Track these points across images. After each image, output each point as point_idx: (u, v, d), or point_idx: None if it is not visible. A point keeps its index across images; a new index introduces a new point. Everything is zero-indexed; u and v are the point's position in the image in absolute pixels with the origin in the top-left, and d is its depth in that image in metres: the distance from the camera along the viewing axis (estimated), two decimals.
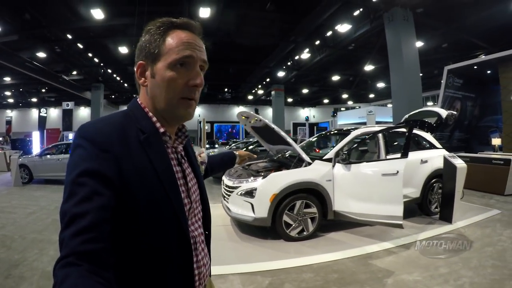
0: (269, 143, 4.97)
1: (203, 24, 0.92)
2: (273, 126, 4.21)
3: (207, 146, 17.76)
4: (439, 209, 5.14)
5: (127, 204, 0.72)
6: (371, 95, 30.76)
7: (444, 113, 5.65)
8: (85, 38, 15.62)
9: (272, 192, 4.03)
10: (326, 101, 35.79)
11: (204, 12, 11.71)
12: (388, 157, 4.53)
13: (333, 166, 4.31)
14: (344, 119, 23.48)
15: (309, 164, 4.34)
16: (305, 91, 29.67)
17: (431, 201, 5.26)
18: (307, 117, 33.53)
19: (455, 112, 5.99)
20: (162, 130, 0.85)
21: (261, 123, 4.44)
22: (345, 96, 31.70)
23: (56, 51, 16.49)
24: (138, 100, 0.89)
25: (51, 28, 14.01)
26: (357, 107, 31.97)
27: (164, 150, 0.84)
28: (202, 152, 1.34)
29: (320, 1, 11.82)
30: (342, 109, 34.52)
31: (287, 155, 5.04)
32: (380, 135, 4.66)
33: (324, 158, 4.43)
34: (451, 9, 12.41)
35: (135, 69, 0.86)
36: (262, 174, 4.40)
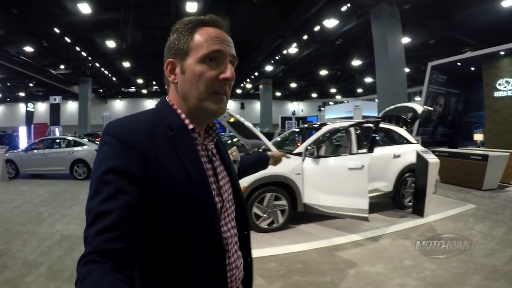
0: (244, 138, 5.02)
1: None
2: (243, 121, 4.25)
3: None
4: (412, 203, 5.22)
5: (154, 201, 0.71)
6: (359, 90, 30.94)
7: (419, 108, 5.74)
8: (73, 32, 15.50)
9: (242, 185, 4.07)
10: (314, 95, 35.85)
11: (191, 7, 11.65)
12: (359, 151, 4.59)
13: (303, 160, 4.38)
14: (331, 113, 23.68)
15: None
16: (293, 85, 29.74)
17: (404, 195, 5.34)
18: (294, 111, 33.29)
19: (431, 108, 6.07)
20: (191, 126, 0.83)
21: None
22: (333, 90, 31.80)
23: (43, 45, 16.33)
24: (166, 98, 0.88)
25: (38, 23, 13.88)
26: (346, 101, 32.15)
27: (194, 147, 0.82)
28: (234, 151, 1.30)
29: None
30: (330, 103, 34.72)
31: (261, 149, 5.09)
32: (351, 130, 4.72)
33: (294, 152, 4.49)
34: (438, 6, 12.52)
35: (164, 68, 0.85)
36: None
